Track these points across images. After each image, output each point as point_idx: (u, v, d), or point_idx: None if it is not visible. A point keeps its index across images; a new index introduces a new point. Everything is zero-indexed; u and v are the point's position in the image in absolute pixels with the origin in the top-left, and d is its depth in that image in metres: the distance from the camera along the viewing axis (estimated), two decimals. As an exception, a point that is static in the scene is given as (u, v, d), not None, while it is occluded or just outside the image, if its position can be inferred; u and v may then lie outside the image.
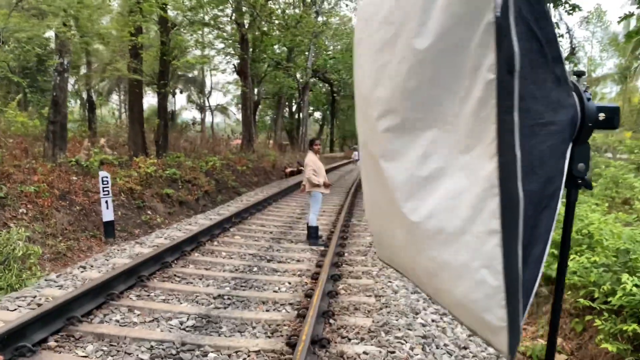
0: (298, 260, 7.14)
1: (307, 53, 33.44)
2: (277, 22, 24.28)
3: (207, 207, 14.39)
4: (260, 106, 39.60)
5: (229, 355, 4.00)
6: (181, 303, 5.16)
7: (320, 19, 33.20)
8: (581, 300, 4.96)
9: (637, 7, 11.75)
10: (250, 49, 25.62)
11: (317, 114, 52.66)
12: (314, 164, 8.17)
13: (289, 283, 6.01)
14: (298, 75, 35.20)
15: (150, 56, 18.66)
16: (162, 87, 17.08)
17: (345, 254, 7.52)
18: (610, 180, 8.74)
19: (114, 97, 37.87)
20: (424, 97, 1.16)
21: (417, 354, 4.10)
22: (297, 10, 30.22)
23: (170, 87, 30.90)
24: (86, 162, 13.60)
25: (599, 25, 30.85)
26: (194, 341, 4.17)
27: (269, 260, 7.07)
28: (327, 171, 23.88)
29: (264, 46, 28.07)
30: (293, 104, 44.79)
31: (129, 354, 3.88)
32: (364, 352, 4.09)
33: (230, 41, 25.20)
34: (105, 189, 10.03)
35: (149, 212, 12.62)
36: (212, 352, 4.03)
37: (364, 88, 1.40)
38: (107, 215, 10.18)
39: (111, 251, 7.46)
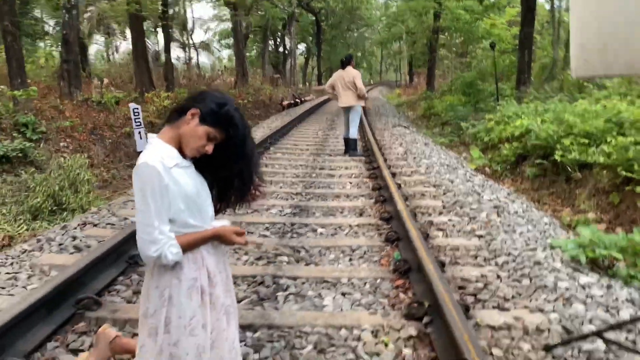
0: (346, 168, 7.77)
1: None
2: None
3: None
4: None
5: (336, 228, 4.67)
6: (266, 205, 5.75)
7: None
8: (621, 171, 5.71)
9: None
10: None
11: (301, 47, 52.08)
12: (359, 79, 8.59)
13: (350, 183, 6.66)
14: (284, 7, 34.62)
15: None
16: (164, 21, 16.98)
17: (387, 161, 8.16)
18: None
19: (98, 38, 36.93)
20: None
21: (494, 218, 4.82)
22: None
23: (152, 25, 30.31)
24: (103, 100, 13.82)
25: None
26: (300, 221, 4.83)
27: (320, 168, 7.69)
28: (323, 103, 24.33)
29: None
30: (277, 37, 44.13)
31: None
32: (449, 220, 4.81)
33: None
34: (137, 120, 10.34)
35: (174, 143, 13.02)
36: (320, 228, 4.69)
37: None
38: (141, 145, 10.52)
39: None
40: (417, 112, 21.24)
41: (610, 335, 2.41)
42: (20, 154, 8.57)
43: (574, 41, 1.99)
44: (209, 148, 2.07)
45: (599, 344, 2.52)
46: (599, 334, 2.30)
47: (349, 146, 8.88)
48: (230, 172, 2.17)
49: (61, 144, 10.11)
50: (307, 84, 45.51)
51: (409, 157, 8.47)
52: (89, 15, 35.77)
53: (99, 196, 8.05)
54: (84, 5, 30.39)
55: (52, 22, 33.11)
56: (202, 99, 2.07)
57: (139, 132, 10.43)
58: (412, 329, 2.80)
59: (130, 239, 3.81)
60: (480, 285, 3.33)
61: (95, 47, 36.03)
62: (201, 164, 2.14)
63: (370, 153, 8.52)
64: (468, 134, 11.92)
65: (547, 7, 31.15)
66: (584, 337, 2.39)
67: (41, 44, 30.10)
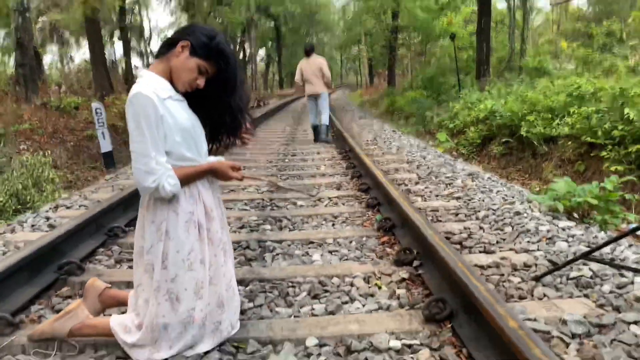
0: (318, 153, 7.79)
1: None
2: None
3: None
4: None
5: (315, 201, 4.67)
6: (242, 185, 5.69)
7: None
8: (586, 138, 5.92)
9: None
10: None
11: (262, 52, 52.01)
12: (325, 66, 8.61)
13: (324, 165, 6.67)
14: (242, 12, 34.50)
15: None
16: (122, 25, 16.68)
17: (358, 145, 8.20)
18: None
19: (53, 49, 35.93)
20: None
21: (469, 183, 4.91)
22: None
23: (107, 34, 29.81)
24: (62, 104, 13.46)
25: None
26: (278, 196, 4.80)
27: (292, 155, 7.68)
28: (287, 104, 24.35)
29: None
30: (237, 43, 43.91)
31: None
32: (426, 187, 4.87)
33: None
34: (100, 120, 10.11)
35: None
36: (299, 201, 4.68)
37: None
38: (105, 146, 10.29)
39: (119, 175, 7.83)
40: (380, 109, 21.45)
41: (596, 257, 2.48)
42: (-23, 155, 8.26)
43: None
44: (201, 82, 2.04)
45: (586, 270, 2.59)
46: (586, 255, 2.37)
47: (319, 133, 8.88)
48: (221, 108, 2.15)
49: (21, 147, 9.79)
50: (269, 89, 45.44)
51: (379, 141, 8.56)
52: (40, 26, 34.85)
53: (65, 195, 7.83)
54: (35, 15, 29.64)
55: (1, 33, 32.11)
56: (192, 32, 2.04)
57: (102, 133, 10.19)
58: (403, 273, 2.82)
59: (108, 212, 3.71)
60: (464, 235, 3.39)
61: (50, 57, 35.02)
62: (192, 102, 2.11)
63: (339, 140, 8.55)
64: (433, 123, 12.12)
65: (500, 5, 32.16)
66: (572, 261, 2.45)
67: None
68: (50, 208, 4.48)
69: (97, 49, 16.83)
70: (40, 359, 2.09)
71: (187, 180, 1.99)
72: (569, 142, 6.50)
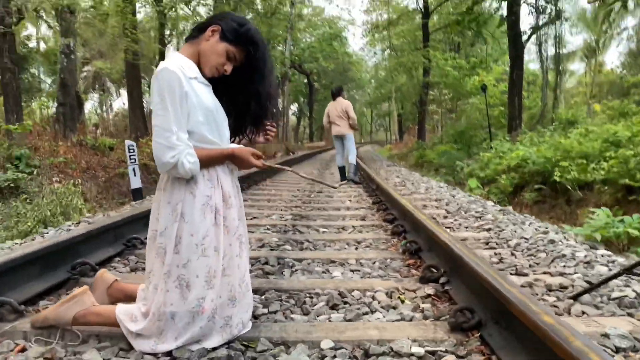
0: (344, 191, 7.69)
1: (282, 46, 33.91)
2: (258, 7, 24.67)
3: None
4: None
5: (339, 228, 4.53)
6: (265, 213, 5.63)
7: (293, 10, 33.66)
8: (624, 181, 5.69)
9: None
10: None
11: (293, 107, 53.15)
12: (351, 109, 8.69)
13: (350, 200, 6.56)
14: (277, 67, 35.57)
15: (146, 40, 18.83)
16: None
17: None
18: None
19: (94, 97, 37.62)
20: None
21: (500, 217, 4.71)
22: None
23: (147, 84, 30.92)
24: (97, 143, 13.84)
25: (567, 2, 32.22)
26: (301, 223, 4.69)
27: (318, 191, 7.60)
28: (316, 154, 24.55)
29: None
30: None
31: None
32: (455, 220, 4.69)
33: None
34: (132, 157, 10.29)
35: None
36: (322, 228, 4.55)
37: None
38: (135, 182, 10.42)
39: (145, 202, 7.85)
40: (409, 162, 21.40)
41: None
42: (12, 184, 8.44)
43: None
44: (228, 67, 2.01)
45: (629, 291, 2.38)
46: (629, 269, 2.17)
47: (345, 174, 8.82)
48: (247, 95, 2.10)
49: (54, 179, 9.99)
50: (300, 142, 46.10)
51: (407, 184, 8.44)
52: (85, 75, 36.58)
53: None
54: (80, 64, 31.17)
55: (48, 80, 33.78)
56: (223, 17, 2.03)
57: (133, 169, 10.35)
58: (428, 289, 2.65)
59: (128, 223, 3.66)
60: (495, 259, 3.20)
61: (91, 103, 36.57)
62: (217, 91, 2.07)
63: (366, 180, 8.47)
64: (463, 173, 11.95)
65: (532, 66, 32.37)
66: (614, 276, 2.25)
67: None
68: (72, 223, 4.47)
69: (135, 93, 17.45)
70: (40, 346, 1.97)
71: (207, 161, 1.93)
72: (606, 187, 6.26)
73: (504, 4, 13.76)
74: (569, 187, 6.90)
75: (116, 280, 2.28)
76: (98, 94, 36.03)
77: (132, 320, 1.95)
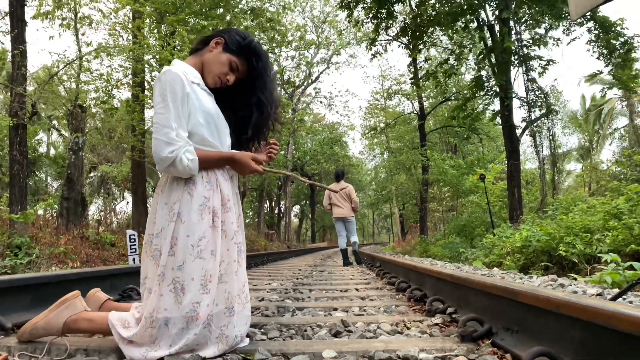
0: (346, 270, 7.54)
1: (285, 150, 35.04)
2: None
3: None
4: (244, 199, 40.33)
5: (342, 290, 4.40)
6: (267, 281, 5.50)
7: (294, 116, 35.16)
8: (630, 248, 5.60)
9: (605, 66, 13.36)
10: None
11: (296, 209, 53.58)
12: (353, 192, 8.80)
13: (352, 276, 6.41)
14: (279, 169, 36.42)
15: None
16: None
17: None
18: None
19: (97, 201, 38.10)
20: None
21: (505, 278, 4.58)
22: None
23: (151, 188, 31.55)
24: (99, 236, 13.83)
25: (558, 104, 33.67)
26: (303, 288, 4.56)
27: (321, 271, 7.45)
28: (318, 250, 24.33)
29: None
30: (273, 198, 45.65)
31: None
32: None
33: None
34: (132, 247, 10.23)
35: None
36: (325, 287, 4.42)
37: None
38: (135, 272, 10.31)
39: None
40: (413, 256, 21.16)
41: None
42: (9, 272, 8.31)
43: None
44: (231, 77, 2.08)
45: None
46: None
47: (348, 258, 8.71)
48: (250, 105, 2.14)
49: (52, 268, 9.85)
50: (301, 243, 45.90)
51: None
52: (91, 180, 37.37)
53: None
54: (88, 169, 31.99)
55: (55, 184, 34.43)
56: (227, 31, 2.14)
57: (133, 259, 10.25)
58: (436, 319, 2.52)
59: (125, 274, 3.57)
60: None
61: (94, 207, 36.89)
62: (221, 103, 2.12)
63: (369, 260, 8.34)
64: (468, 260, 11.78)
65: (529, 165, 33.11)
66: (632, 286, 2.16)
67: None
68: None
69: (139, 191, 17.70)
70: (24, 361, 1.85)
71: (206, 162, 1.93)
72: (612, 257, 6.14)
73: (497, 99, 14.37)
74: (576, 261, 6.77)
75: (108, 299, 2.19)
76: (103, 197, 36.56)
77: (124, 327, 1.85)
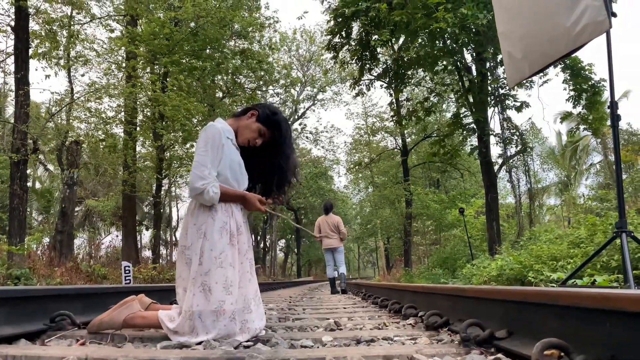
0: (335, 296, 8.10)
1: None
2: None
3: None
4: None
5: (332, 309, 4.98)
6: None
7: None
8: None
9: (573, 107, 14.26)
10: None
11: (281, 243, 53.88)
12: (342, 223, 9.43)
13: (339, 301, 6.97)
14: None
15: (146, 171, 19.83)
16: (158, 200, 18.21)
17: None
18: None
19: (82, 235, 38.14)
20: None
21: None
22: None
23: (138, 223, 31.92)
24: (91, 269, 14.19)
25: (536, 141, 35.00)
26: (296, 310, 5.13)
27: (310, 297, 7.99)
28: (304, 283, 24.65)
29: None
30: (259, 234, 45.93)
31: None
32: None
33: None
34: (127, 278, 10.68)
35: (161, 304, 13.14)
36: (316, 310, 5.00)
37: None
38: (129, 302, 10.70)
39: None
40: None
41: None
42: (11, 300, 8.70)
43: (504, 52, 2.87)
44: (258, 141, 2.77)
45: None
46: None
47: (335, 287, 9.26)
48: (272, 166, 2.83)
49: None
50: (287, 277, 45.99)
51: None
52: (76, 214, 37.41)
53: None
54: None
55: (39, 218, 34.48)
56: (262, 106, 2.85)
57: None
58: (409, 321, 3.14)
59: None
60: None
61: (79, 240, 36.91)
62: (250, 162, 2.79)
63: (356, 288, 8.91)
64: (448, 290, 12.37)
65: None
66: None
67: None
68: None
69: (129, 223, 18.12)
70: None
71: (225, 196, 2.57)
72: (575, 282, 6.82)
73: (474, 136, 15.24)
74: (542, 286, 7.43)
75: (153, 302, 2.77)
76: (88, 231, 36.66)
77: (170, 320, 2.44)
